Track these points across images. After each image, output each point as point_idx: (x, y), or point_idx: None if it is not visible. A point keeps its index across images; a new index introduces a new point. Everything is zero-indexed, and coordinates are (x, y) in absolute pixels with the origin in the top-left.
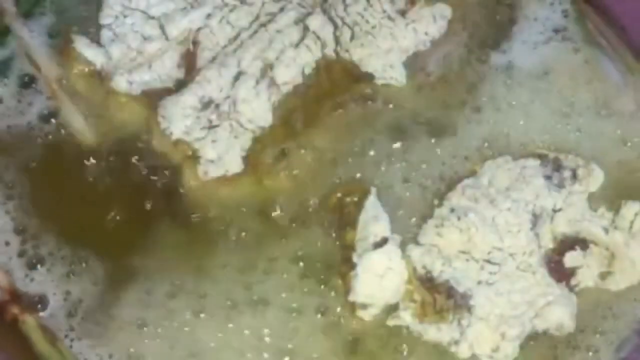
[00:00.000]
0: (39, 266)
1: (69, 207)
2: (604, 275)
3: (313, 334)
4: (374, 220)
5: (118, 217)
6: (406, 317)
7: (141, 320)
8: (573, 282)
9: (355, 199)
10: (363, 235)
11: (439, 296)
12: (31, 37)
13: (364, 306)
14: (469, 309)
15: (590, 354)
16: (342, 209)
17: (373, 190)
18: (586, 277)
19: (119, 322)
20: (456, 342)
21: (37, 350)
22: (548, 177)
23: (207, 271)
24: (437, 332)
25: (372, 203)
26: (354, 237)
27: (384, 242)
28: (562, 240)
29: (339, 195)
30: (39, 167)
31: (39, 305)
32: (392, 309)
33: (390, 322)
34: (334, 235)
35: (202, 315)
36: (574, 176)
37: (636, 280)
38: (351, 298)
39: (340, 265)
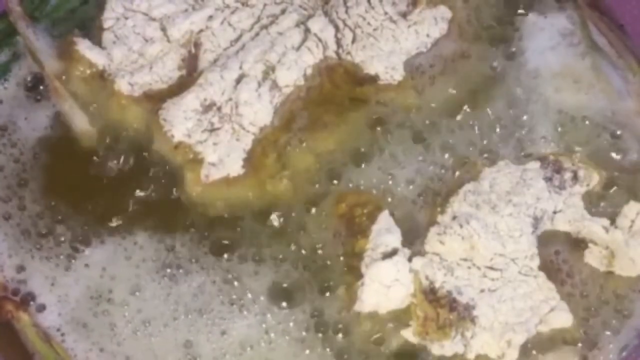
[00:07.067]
0: (29, 263)
1: (66, 204)
2: (604, 275)
3: (313, 344)
4: (386, 232)
5: (116, 217)
6: (408, 336)
7: (138, 320)
8: (573, 282)
9: (367, 210)
10: (374, 244)
11: (442, 310)
12: (35, 37)
13: (368, 316)
14: (473, 320)
15: (593, 354)
16: (353, 218)
17: (385, 209)
18: (586, 277)
19: (110, 318)
20: (461, 355)
21: (32, 349)
22: (548, 179)
23: (205, 271)
24: (440, 349)
25: (385, 217)
26: (364, 245)
27: (393, 252)
28: (562, 241)
29: (350, 204)
30: (37, 164)
31: (31, 302)
32: (395, 317)
33: (394, 343)
34: (337, 242)
35: (194, 315)
36: (575, 177)
37: (636, 279)
38: (357, 308)
39: (344, 273)
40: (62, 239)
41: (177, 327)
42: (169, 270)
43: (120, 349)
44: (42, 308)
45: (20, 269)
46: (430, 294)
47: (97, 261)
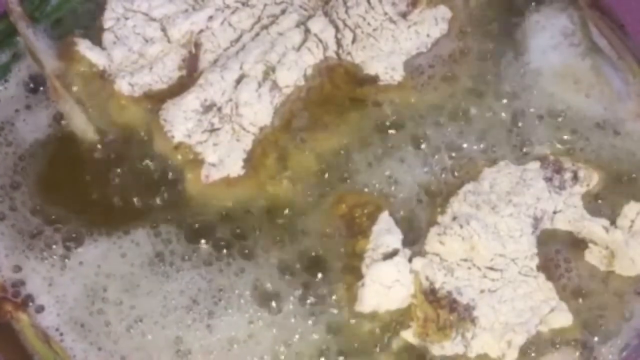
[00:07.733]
0: (25, 263)
1: (63, 204)
2: (604, 275)
3: (312, 346)
4: (387, 232)
5: (113, 215)
6: (408, 338)
7: (132, 318)
8: (573, 282)
9: (367, 210)
10: (375, 245)
11: (442, 311)
12: (35, 37)
13: (368, 316)
14: (473, 321)
15: (593, 354)
16: (354, 218)
17: (386, 209)
18: (586, 277)
19: (105, 316)
20: (461, 356)
21: (31, 349)
22: (548, 179)
23: (206, 272)
24: (440, 350)
25: (385, 217)
26: (365, 245)
27: (394, 253)
28: (562, 241)
29: (350, 204)
30: (35, 164)
31: (30, 304)
32: (395, 318)
33: (395, 345)
34: (337, 242)
35: (182, 311)
36: (575, 177)
37: (636, 279)
38: (357, 308)
39: (345, 274)
40: (58, 237)
41: (167, 324)
42: (162, 267)
43: (117, 347)
44: (40, 309)
45: (17, 269)
46: (431, 295)
47: (92, 259)
